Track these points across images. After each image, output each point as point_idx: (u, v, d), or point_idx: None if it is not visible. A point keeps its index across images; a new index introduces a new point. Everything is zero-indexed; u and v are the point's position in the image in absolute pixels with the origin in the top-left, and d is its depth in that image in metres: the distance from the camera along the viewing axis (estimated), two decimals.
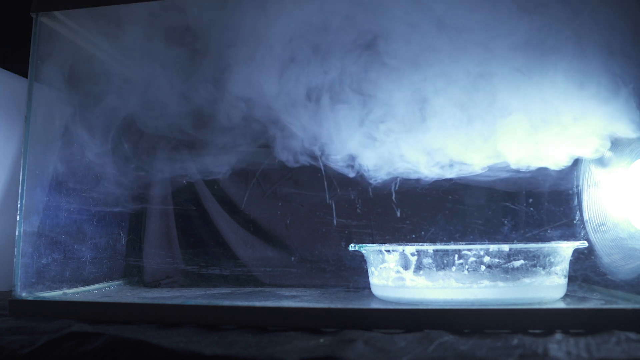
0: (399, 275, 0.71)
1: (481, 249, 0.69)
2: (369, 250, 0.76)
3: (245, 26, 0.84)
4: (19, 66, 1.06)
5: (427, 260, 0.70)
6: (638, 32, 0.71)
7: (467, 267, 0.69)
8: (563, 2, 0.76)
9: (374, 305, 0.72)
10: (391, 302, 0.72)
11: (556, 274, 0.70)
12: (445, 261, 0.69)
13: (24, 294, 0.77)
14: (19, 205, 0.78)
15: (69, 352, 0.55)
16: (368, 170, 0.85)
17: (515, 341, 0.53)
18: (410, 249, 0.71)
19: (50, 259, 0.84)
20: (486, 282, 0.68)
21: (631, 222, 0.75)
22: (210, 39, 0.86)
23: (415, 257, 0.70)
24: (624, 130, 0.72)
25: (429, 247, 0.70)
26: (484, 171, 0.80)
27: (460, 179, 0.82)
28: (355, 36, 0.81)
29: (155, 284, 1.01)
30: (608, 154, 0.76)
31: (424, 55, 0.78)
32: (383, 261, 0.73)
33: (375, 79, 0.81)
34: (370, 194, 0.92)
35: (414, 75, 0.79)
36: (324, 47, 0.82)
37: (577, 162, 0.80)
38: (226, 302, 0.71)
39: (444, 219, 0.93)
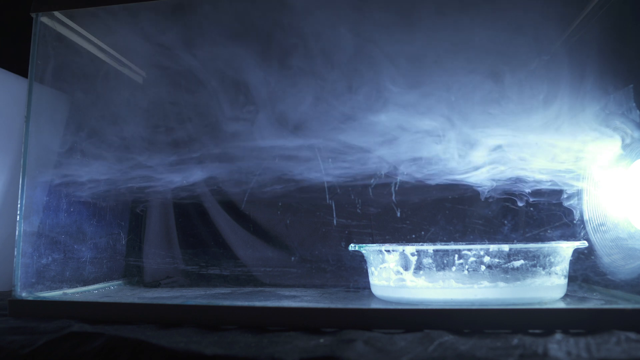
0: (399, 275, 0.71)
1: (481, 249, 0.69)
2: (369, 250, 0.76)
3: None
4: (19, 66, 1.06)
5: (427, 260, 0.70)
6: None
7: (467, 267, 0.69)
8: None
9: (374, 305, 0.72)
10: (391, 302, 0.72)
11: (556, 274, 0.70)
12: (445, 261, 0.69)
13: (24, 294, 0.77)
14: (19, 205, 0.78)
15: (69, 352, 0.55)
16: None
17: (515, 341, 0.53)
18: (410, 249, 0.71)
19: (50, 259, 0.84)
20: (486, 282, 0.68)
21: (631, 222, 0.75)
22: (211, 39, 0.86)
23: (415, 257, 0.70)
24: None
25: (429, 247, 0.70)
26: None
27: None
28: None
29: (155, 284, 1.01)
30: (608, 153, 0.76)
31: None
32: (383, 261, 0.73)
33: None
34: (371, 194, 0.92)
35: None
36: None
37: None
38: (226, 302, 0.71)
39: (444, 219, 0.93)
